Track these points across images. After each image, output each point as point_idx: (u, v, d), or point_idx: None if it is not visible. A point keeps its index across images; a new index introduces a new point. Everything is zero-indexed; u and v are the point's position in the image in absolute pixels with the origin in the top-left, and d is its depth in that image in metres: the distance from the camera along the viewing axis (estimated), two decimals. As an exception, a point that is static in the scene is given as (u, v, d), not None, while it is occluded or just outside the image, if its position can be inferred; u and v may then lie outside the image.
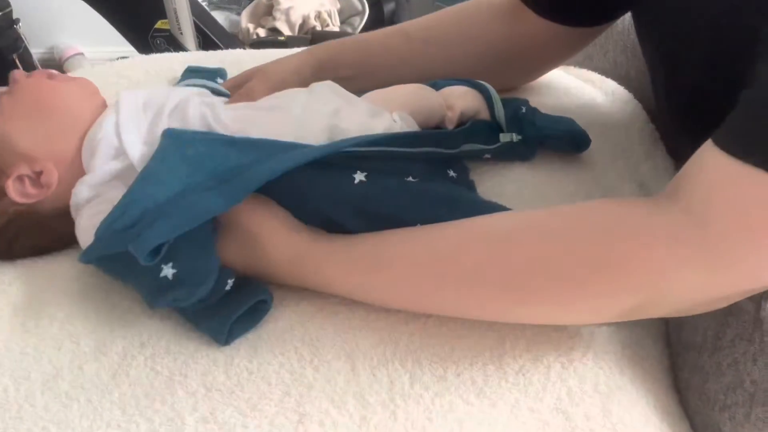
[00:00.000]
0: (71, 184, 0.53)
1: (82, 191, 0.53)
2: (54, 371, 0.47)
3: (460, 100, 0.61)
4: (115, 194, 0.50)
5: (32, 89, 0.56)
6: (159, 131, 0.53)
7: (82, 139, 0.55)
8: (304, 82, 0.61)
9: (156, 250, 0.45)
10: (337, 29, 1.91)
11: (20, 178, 0.53)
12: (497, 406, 0.44)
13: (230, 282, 0.48)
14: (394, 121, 0.57)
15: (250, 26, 1.92)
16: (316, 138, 0.54)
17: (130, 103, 0.56)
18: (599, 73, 0.79)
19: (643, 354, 0.51)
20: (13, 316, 0.51)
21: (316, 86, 0.59)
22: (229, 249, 0.50)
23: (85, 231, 0.51)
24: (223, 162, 0.51)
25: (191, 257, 0.47)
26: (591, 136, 0.62)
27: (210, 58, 0.82)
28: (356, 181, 0.51)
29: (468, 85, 0.63)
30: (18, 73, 0.57)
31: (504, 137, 0.60)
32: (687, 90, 0.55)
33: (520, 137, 0.60)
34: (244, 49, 1.41)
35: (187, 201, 0.48)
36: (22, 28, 1.99)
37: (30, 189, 0.53)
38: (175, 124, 0.54)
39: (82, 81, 0.60)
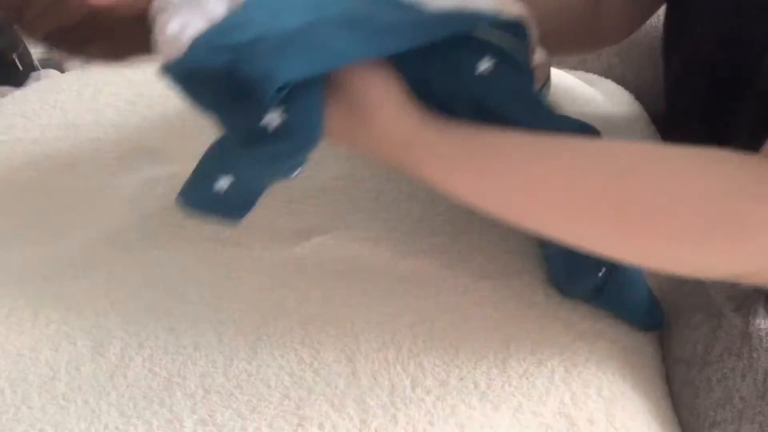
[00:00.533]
0: None
1: None
2: (51, 373, 0.46)
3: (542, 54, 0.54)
4: (216, 7, 0.41)
5: None
6: None
7: None
8: None
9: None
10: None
11: None
12: (500, 410, 0.44)
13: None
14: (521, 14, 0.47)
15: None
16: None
17: None
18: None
19: (644, 362, 0.50)
20: (9, 317, 0.50)
21: None
22: (331, 110, 0.43)
23: (173, 39, 0.41)
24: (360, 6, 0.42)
25: (306, 108, 0.39)
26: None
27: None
28: (478, 71, 0.44)
29: None
30: None
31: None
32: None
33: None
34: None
35: (322, 36, 0.39)
36: (21, 28, 1.99)
37: None
38: None
39: None
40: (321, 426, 0.43)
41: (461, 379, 0.46)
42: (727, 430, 0.44)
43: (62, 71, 1.95)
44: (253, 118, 0.37)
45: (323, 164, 0.63)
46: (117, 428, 0.43)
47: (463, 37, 0.43)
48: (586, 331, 0.50)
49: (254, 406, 0.44)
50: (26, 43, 2.01)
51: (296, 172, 0.43)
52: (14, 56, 1.99)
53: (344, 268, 0.54)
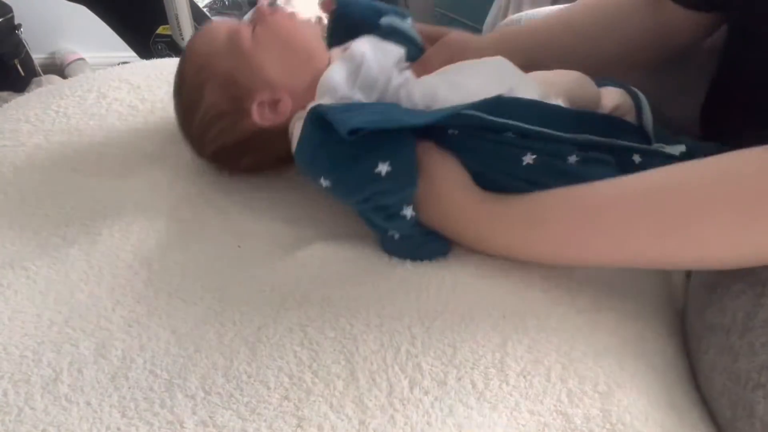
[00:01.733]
0: (294, 113, 0.61)
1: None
2: (53, 374, 0.46)
3: (615, 95, 0.64)
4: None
5: (282, 25, 0.63)
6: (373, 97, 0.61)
7: (314, 76, 0.60)
8: None
9: (356, 134, 0.51)
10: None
11: (262, 104, 0.60)
12: (497, 410, 0.44)
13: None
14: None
15: (251, 31, 1.92)
16: None
17: (369, 59, 0.61)
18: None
19: (645, 348, 0.51)
20: (12, 319, 0.51)
21: (492, 62, 0.62)
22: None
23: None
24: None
25: (405, 161, 0.53)
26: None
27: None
28: (524, 163, 0.55)
29: (621, 87, 0.65)
30: (265, 8, 0.63)
31: (674, 149, 0.60)
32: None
33: (683, 151, 0.60)
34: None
35: (390, 110, 0.56)
36: (24, 34, 2.00)
37: (268, 114, 0.60)
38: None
39: (312, 23, 0.66)
40: (320, 427, 0.43)
41: (459, 379, 0.46)
42: None
43: (64, 77, 1.95)
44: (367, 169, 0.53)
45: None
46: (119, 429, 0.43)
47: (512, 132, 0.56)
48: (584, 324, 0.50)
49: (254, 407, 0.44)
50: (28, 49, 2.02)
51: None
52: (16, 62, 1.99)
53: (343, 271, 0.55)
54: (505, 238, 0.54)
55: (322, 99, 0.59)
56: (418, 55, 0.68)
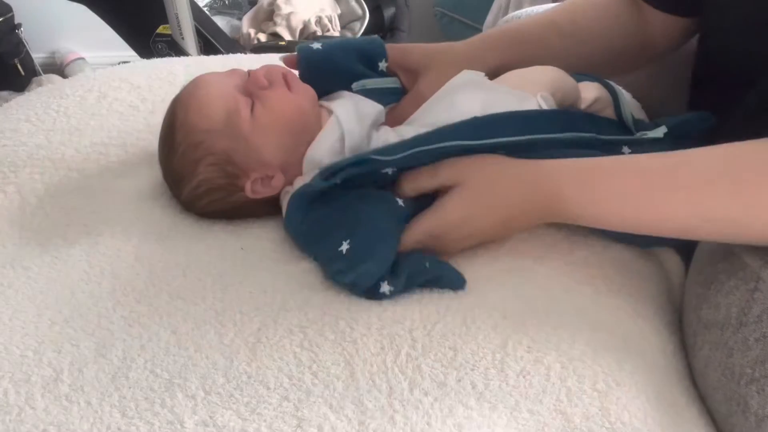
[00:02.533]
0: (285, 185, 0.61)
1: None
2: (54, 374, 0.47)
3: (594, 89, 0.64)
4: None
5: (282, 106, 0.61)
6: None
7: (306, 147, 0.61)
8: None
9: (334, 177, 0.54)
10: (337, 34, 1.91)
11: (255, 180, 0.60)
12: (497, 410, 0.44)
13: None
14: (540, 105, 0.59)
15: (251, 31, 1.93)
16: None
17: (350, 130, 0.61)
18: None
19: (644, 345, 0.51)
20: (12, 319, 0.51)
21: (457, 85, 0.62)
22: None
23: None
24: None
25: (364, 239, 0.54)
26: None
27: (211, 63, 0.82)
28: None
29: (597, 82, 0.66)
30: (261, 78, 0.61)
31: (657, 132, 0.61)
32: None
33: (666, 131, 0.61)
34: (245, 53, 1.42)
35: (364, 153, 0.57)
36: (24, 33, 2.00)
37: (260, 188, 0.61)
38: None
39: (309, 92, 0.63)
40: (320, 427, 0.43)
41: (459, 380, 0.46)
42: (766, 386, 0.46)
43: (64, 76, 1.95)
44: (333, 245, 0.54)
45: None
46: (119, 429, 0.43)
47: None
48: (583, 323, 0.51)
49: (254, 407, 0.44)
50: (28, 49, 2.02)
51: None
52: (16, 61, 1.99)
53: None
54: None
55: (310, 174, 0.59)
56: (399, 98, 0.67)
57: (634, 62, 0.75)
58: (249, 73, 0.63)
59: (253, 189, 0.60)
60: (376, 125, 0.63)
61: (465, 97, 0.61)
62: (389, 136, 0.61)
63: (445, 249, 0.56)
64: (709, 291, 0.52)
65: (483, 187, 0.55)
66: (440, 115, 0.60)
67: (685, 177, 0.51)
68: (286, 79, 0.62)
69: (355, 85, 0.66)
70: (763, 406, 0.46)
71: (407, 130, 0.61)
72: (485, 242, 0.58)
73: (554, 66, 0.64)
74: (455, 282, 0.53)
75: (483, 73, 0.63)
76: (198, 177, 0.60)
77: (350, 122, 0.61)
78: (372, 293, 0.52)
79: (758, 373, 0.46)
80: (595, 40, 0.71)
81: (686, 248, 0.60)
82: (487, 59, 0.67)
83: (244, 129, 0.59)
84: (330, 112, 0.62)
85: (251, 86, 0.61)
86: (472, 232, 0.56)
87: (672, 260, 0.61)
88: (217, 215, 0.62)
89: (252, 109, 0.60)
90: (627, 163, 0.56)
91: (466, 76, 0.63)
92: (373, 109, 0.64)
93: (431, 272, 0.53)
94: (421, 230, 0.55)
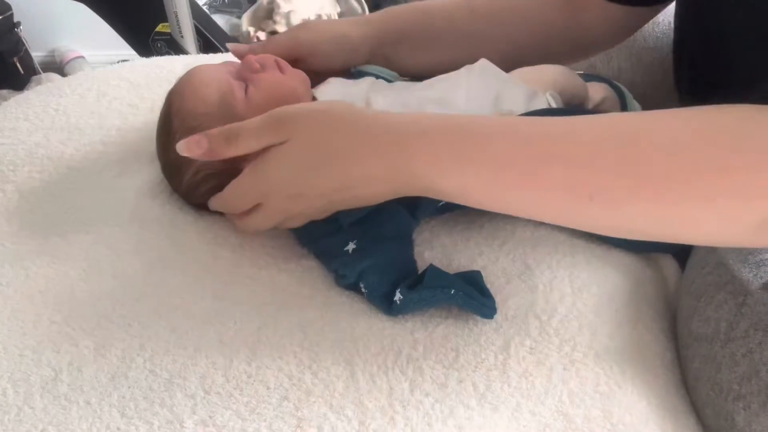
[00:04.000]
0: None
1: None
2: (53, 373, 0.46)
3: (601, 90, 0.64)
4: None
5: (275, 86, 0.60)
6: None
7: None
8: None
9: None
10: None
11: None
12: (499, 411, 0.44)
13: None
14: (548, 103, 0.59)
15: (251, 29, 1.92)
16: None
17: None
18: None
19: (644, 351, 0.51)
20: (11, 318, 0.51)
21: (474, 70, 0.61)
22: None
23: None
24: None
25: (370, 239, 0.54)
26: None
27: (211, 61, 0.82)
28: None
29: (605, 83, 0.66)
30: (253, 62, 0.61)
31: None
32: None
33: None
34: (245, 52, 1.42)
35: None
36: (23, 32, 1.99)
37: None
38: None
39: (301, 75, 0.63)
40: (320, 427, 0.43)
41: (460, 381, 0.46)
42: (752, 403, 0.45)
43: (63, 75, 1.95)
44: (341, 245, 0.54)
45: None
46: (118, 429, 0.43)
47: None
48: (585, 327, 0.50)
49: (254, 407, 0.44)
50: (27, 47, 2.01)
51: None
52: (15, 60, 1.99)
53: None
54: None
55: None
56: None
57: (566, 53, 0.71)
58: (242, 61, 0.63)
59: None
60: (371, 94, 0.62)
61: (480, 83, 0.60)
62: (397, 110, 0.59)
63: (278, 210, 0.53)
64: (700, 303, 0.52)
65: (313, 143, 0.50)
66: (453, 94, 0.60)
67: (568, 149, 0.45)
68: (278, 64, 0.62)
69: (353, 69, 0.67)
70: (749, 423, 0.45)
71: (419, 101, 0.60)
72: (333, 209, 0.53)
73: (486, 55, 0.63)
74: (483, 312, 0.50)
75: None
76: (196, 162, 0.58)
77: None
78: (382, 300, 0.51)
79: (744, 389, 0.46)
80: (519, 25, 0.68)
81: (684, 254, 0.60)
82: (399, 47, 0.65)
83: (239, 110, 0.59)
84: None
85: (244, 71, 0.62)
86: (303, 192, 0.52)
87: (670, 266, 0.61)
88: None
89: (246, 92, 0.60)
90: (505, 126, 0.48)
91: (484, 62, 0.62)
92: (361, 86, 0.63)
93: (454, 300, 0.49)
94: (242, 186, 0.53)
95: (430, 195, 0.49)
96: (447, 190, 0.48)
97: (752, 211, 0.41)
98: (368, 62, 0.68)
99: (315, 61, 0.67)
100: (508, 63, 0.64)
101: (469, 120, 0.49)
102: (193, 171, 0.60)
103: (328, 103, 0.53)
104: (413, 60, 0.66)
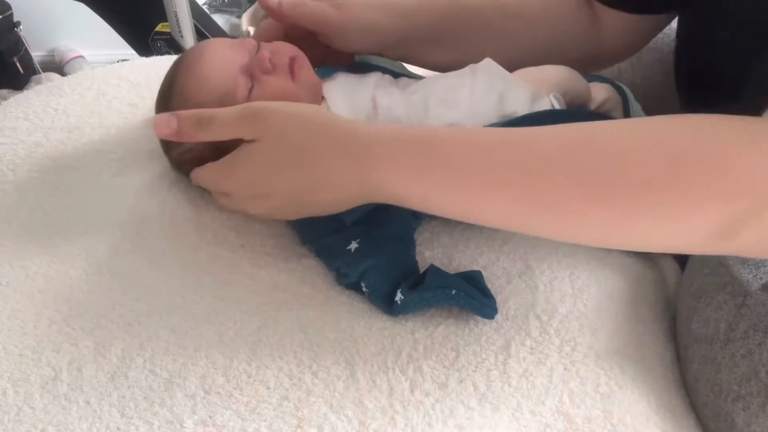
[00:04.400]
0: None
1: None
2: (53, 373, 0.46)
3: (604, 91, 0.64)
4: None
5: (279, 95, 0.58)
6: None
7: None
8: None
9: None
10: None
11: None
12: (499, 411, 0.44)
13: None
14: (552, 105, 0.59)
15: (251, 29, 1.92)
16: (486, 122, 0.58)
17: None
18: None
19: (645, 351, 0.51)
20: (11, 318, 0.50)
21: (478, 69, 0.61)
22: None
23: None
24: None
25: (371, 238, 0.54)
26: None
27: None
28: None
29: (608, 83, 0.65)
30: (266, 62, 0.59)
31: None
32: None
33: None
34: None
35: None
36: (23, 31, 1.99)
37: None
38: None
39: (312, 83, 0.62)
40: (320, 427, 0.43)
41: (461, 381, 0.46)
42: (752, 404, 0.45)
43: (63, 74, 1.95)
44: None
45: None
46: (118, 428, 0.43)
47: None
48: (585, 327, 0.50)
49: (254, 407, 0.44)
50: (27, 47, 2.01)
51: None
52: (15, 59, 1.99)
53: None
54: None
55: None
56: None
57: (582, 61, 0.70)
58: (259, 45, 0.61)
59: None
60: (378, 91, 0.62)
61: (485, 84, 0.60)
62: (401, 108, 0.59)
63: (243, 206, 0.54)
64: (699, 304, 0.52)
65: (282, 145, 0.50)
66: (457, 93, 0.60)
67: (525, 158, 0.45)
68: (292, 67, 0.61)
69: (357, 57, 0.66)
70: (749, 424, 0.45)
71: (422, 101, 0.60)
72: (302, 212, 0.54)
73: (488, 44, 0.63)
74: (484, 312, 0.50)
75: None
76: (188, 144, 0.58)
77: (342, 102, 0.61)
78: (384, 300, 0.51)
79: (744, 390, 0.46)
80: (546, 29, 0.68)
81: (684, 255, 0.60)
82: (428, 42, 0.64)
83: None
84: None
85: (254, 67, 0.60)
86: (268, 192, 0.52)
87: (670, 267, 0.61)
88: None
89: (250, 92, 0.59)
90: (467, 136, 0.49)
91: (489, 62, 0.62)
92: (367, 83, 0.62)
93: (455, 300, 0.50)
94: (210, 176, 0.54)
95: (395, 203, 0.50)
96: (410, 198, 0.49)
97: (703, 220, 0.41)
98: (385, 53, 0.67)
99: (337, 42, 0.65)
100: (527, 65, 0.64)
101: (433, 131, 0.50)
102: (184, 149, 0.59)
103: (305, 107, 0.53)
104: (436, 57, 0.65)
